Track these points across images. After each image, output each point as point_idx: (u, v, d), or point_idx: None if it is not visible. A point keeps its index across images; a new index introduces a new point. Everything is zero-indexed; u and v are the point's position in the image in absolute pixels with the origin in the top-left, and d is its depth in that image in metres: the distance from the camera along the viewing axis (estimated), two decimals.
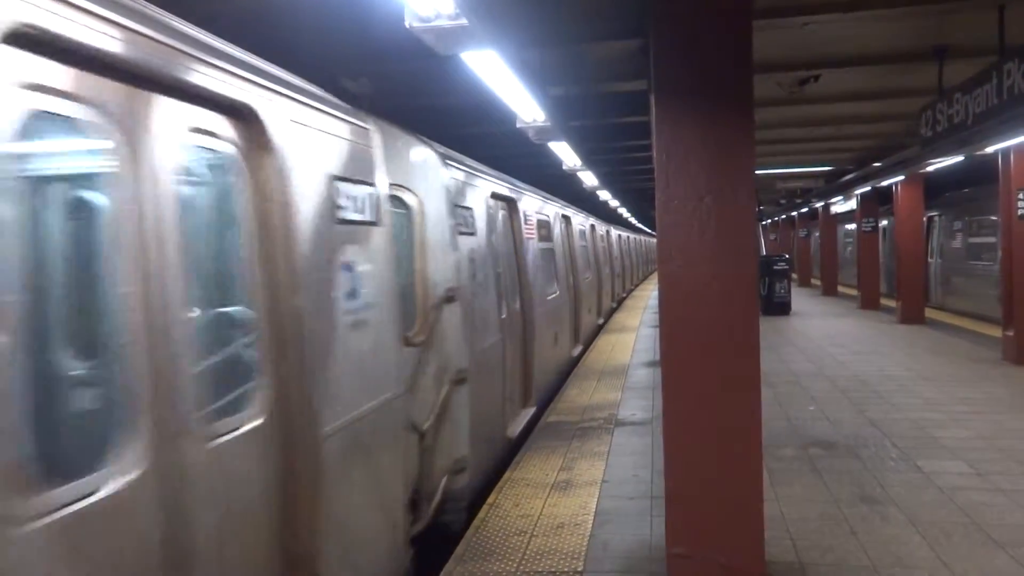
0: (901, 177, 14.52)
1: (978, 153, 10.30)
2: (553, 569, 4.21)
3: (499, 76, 4.61)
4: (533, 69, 5.50)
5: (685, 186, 3.84)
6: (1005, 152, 10.32)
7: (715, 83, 3.84)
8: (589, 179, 12.21)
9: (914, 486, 5.34)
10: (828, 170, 17.68)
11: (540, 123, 5.93)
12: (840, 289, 23.98)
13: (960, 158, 11.31)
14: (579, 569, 4.20)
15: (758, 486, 3.85)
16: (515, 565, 4.28)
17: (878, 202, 18.70)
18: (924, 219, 17.74)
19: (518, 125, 6.09)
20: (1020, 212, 10.08)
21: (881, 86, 8.67)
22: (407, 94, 7.53)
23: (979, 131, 6.19)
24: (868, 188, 16.91)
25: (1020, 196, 10.08)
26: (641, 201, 26.47)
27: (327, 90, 3.56)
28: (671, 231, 3.86)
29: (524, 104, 5.50)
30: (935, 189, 17.18)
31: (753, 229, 3.89)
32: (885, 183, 15.39)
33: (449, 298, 5.06)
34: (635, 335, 15.09)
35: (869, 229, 18.73)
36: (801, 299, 21.01)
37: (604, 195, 17.41)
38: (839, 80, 8.33)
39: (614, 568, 4.21)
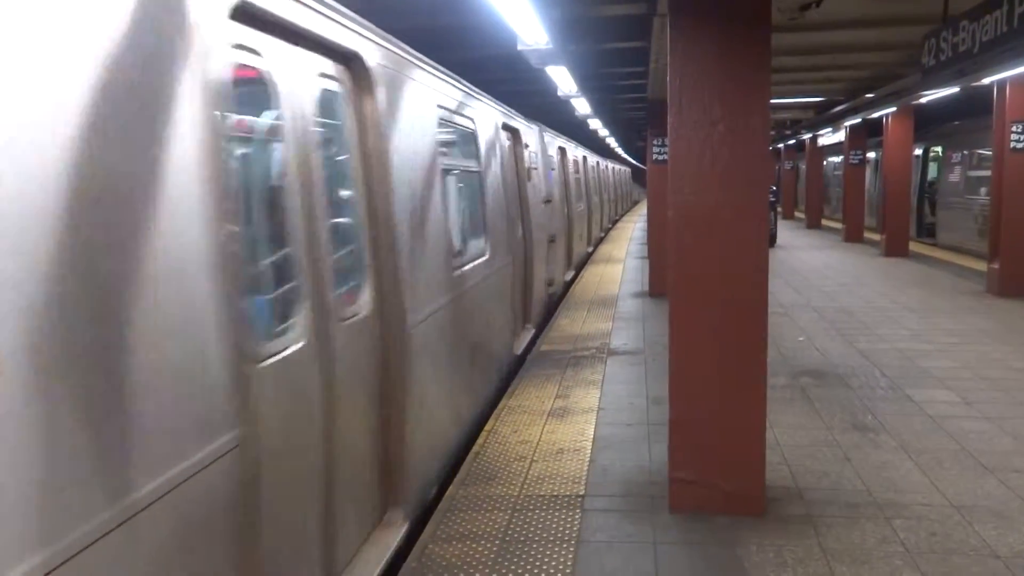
0: (892, 109, 14.42)
1: (974, 84, 10.23)
2: (555, 493, 4.28)
3: None
4: None
5: (698, 113, 3.76)
6: (1001, 83, 10.24)
7: (731, 5, 3.72)
8: (582, 106, 12.00)
9: (904, 414, 5.46)
10: (818, 101, 17.50)
11: (542, 46, 5.75)
12: (823, 222, 24.10)
13: (955, 90, 11.23)
14: (580, 493, 4.28)
15: (761, 413, 3.91)
16: (517, 489, 4.35)
17: (867, 134, 18.61)
18: (933, 151, 17.51)
19: (519, 48, 5.90)
20: (1013, 144, 10.07)
21: (884, 13, 8.48)
22: (397, 14, 7.27)
23: (984, 60, 6.09)
24: (858, 120, 16.80)
25: (1014, 128, 10.05)
26: (628, 131, 26.19)
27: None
28: (682, 158, 3.79)
29: (527, 25, 5.31)
30: (929, 121, 17.08)
31: (766, 157, 3.83)
32: (876, 115, 15.28)
33: None
34: (622, 266, 15.13)
35: (857, 162, 18.70)
36: (785, 232, 21.09)
37: (595, 124, 17.18)
38: (841, 6, 8.13)
39: (615, 492, 4.28)
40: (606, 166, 25.54)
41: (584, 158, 16.97)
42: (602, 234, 22.04)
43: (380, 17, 6.79)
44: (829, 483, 4.31)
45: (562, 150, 12.58)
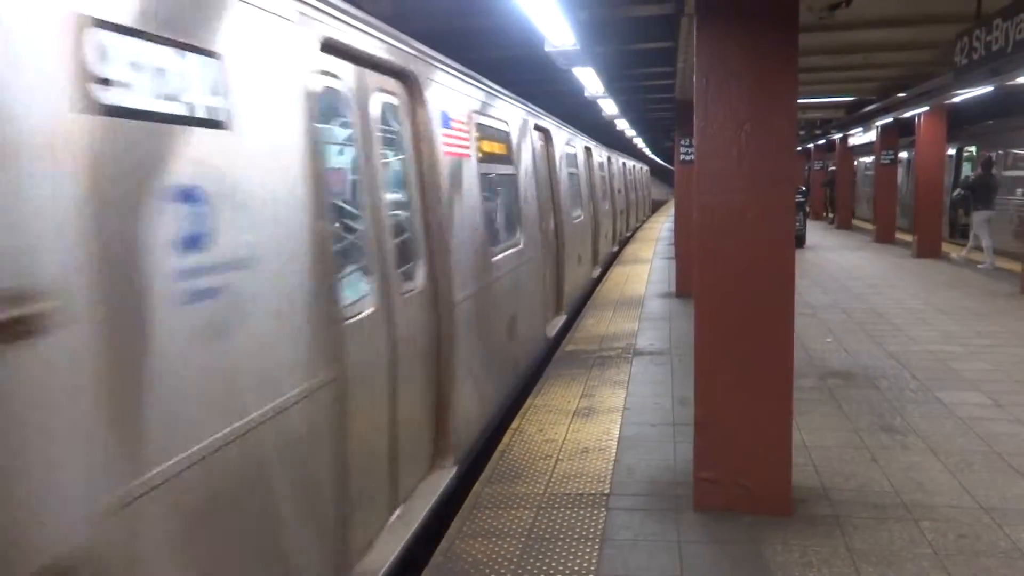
0: (925, 108, 14.22)
1: (1008, 83, 10.07)
2: (580, 491, 4.31)
3: None
4: None
5: (724, 112, 3.77)
6: None
7: (759, 4, 3.72)
8: (609, 107, 12.01)
9: (934, 416, 5.40)
10: (849, 101, 17.30)
11: (569, 47, 5.78)
12: (853, 222, 23.81)
13: (989, 89, 11.06)
14: (605, 491, 4.31)
15: (787, 414, 3.90)
16: (543, 487, 4.39)
17: (898, 134, 18.36)
18: (967, 151, 17.21)
19: (546, 49, 5.94)
20: None
21: (915, 12, 8.39)
22: (426, 16, 7.35)
23: (1018, 59, 6.01)
24: (890, 119, 16.58)
25: None
26: (656, 132, 26.08)
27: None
28: (709, 159, 3.81)
29: (554, 26, 5.35)
30: (963, 121, 16.80)
31: (793, 158, 3.83)
32: (908, 114, 15.07)
33: None
34: (649, 266, 15.09)
35: (888, 161, 18.46)
36: (815, 232, 20.88)
37: (622, 124, 17.14)
38: (872, 4, 8.05)
39: (640, 491, 4.30)
40: (606, 159, 16.87)
41: (566, 140, 10.40)
42: (598, 270, 13.66)
43: (410, 20, 6.90)
44: (856, 484, 4.29)
45: (476, 114, 5.53)
